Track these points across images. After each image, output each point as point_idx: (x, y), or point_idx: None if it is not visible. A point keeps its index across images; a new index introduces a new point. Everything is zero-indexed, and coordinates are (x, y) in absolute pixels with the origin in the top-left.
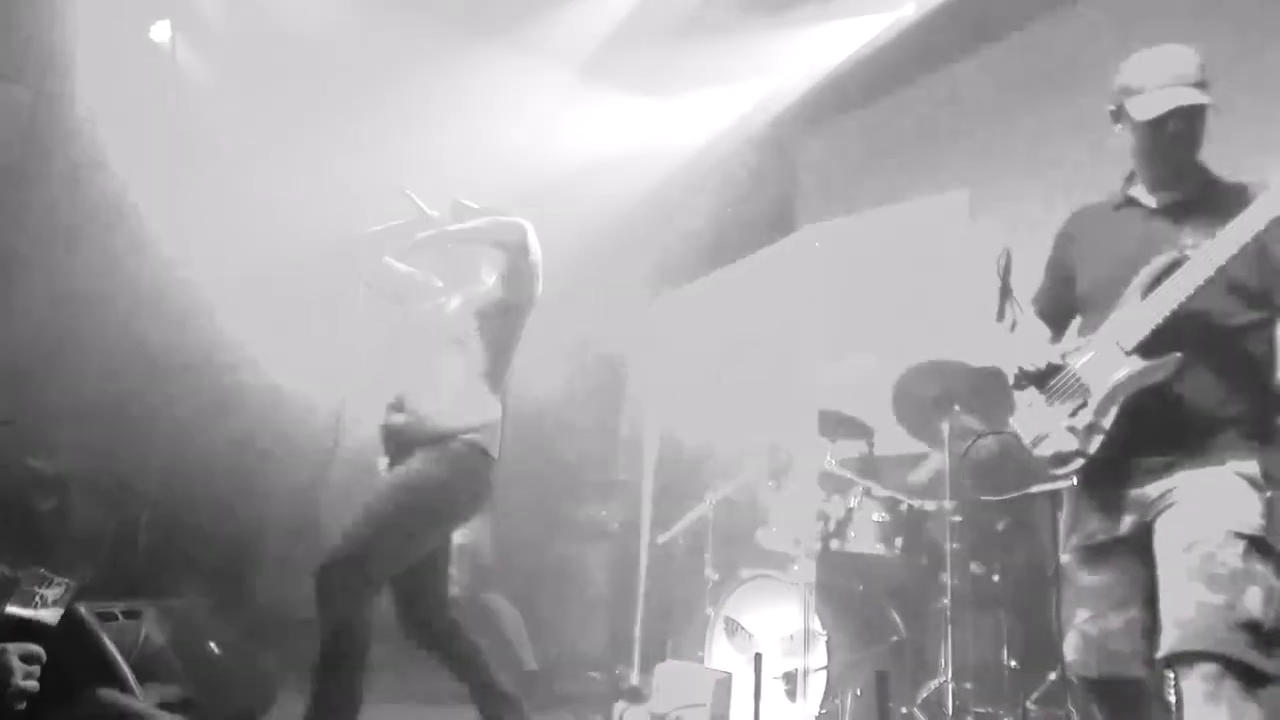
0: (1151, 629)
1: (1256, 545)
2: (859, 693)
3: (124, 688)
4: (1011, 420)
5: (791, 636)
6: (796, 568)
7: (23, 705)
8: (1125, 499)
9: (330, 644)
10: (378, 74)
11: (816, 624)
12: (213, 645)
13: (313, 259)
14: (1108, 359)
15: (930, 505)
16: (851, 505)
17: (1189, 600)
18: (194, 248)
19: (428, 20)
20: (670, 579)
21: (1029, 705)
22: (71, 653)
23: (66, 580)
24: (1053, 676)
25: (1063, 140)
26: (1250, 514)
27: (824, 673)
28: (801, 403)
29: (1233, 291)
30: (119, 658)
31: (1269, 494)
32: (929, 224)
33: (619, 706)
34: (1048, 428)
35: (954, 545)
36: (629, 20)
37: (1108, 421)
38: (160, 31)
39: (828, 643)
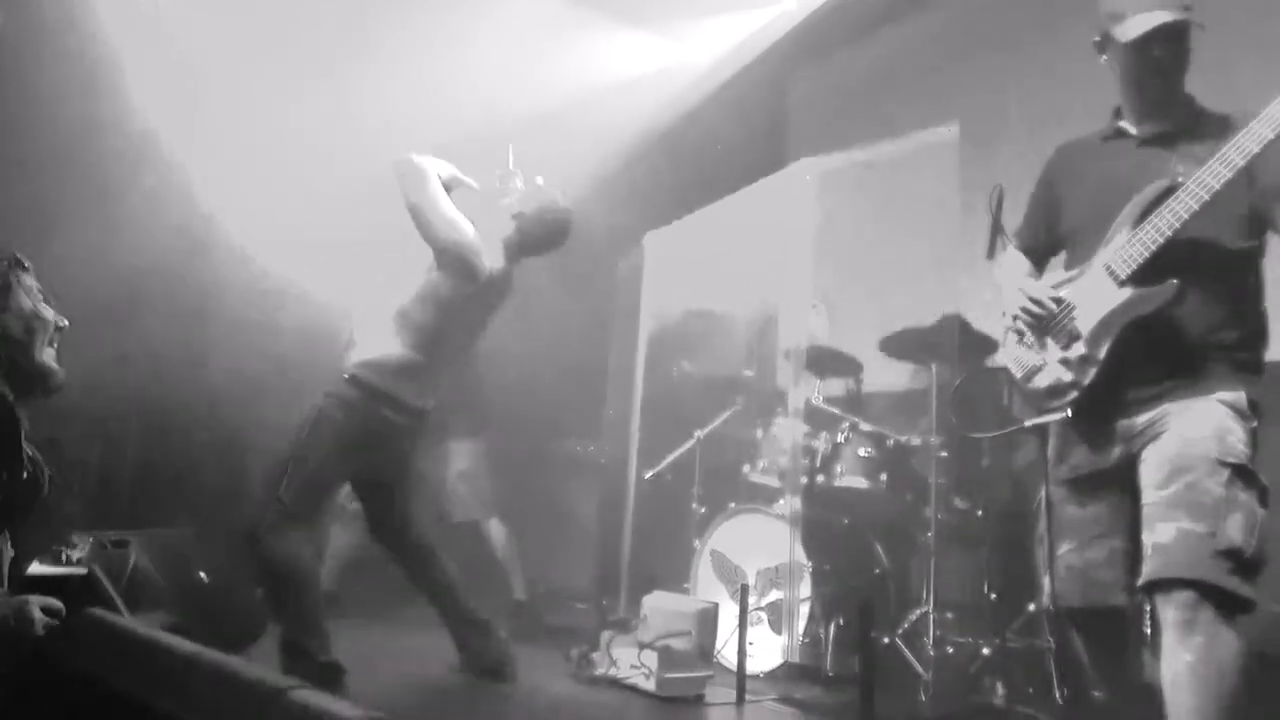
0: (1134, 559)
1: (1240, 474)
2: (842, 623)
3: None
4: (1000, 355)
5: (777, 568)
6: (783, 502)
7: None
8: (1114, 431)
9: (270, 584)
10: (363, 4)
11: (801, 556)
12: (201, 574)
13: (311, 189)
14: (1100, 290)
15: (916, 440)
16: (838, 441)
17: (1171, 527)
18: (189, 174)
19: None
20: (657, 513)
21: (1008, 635)
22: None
23: (90, 537)
24: (1031, 608)
25: (1061, 73)
26: (1235, 443)
27: (808, 604)
28: (790, 339)
29: (1224, 219)
30: (109, 585)
31: (1254, 423)
32: (921, 158)
33: (606, 636)
34: (1040, 361)
35: (938, 480)
36: None
37: (1102, 352)
38: None
39: (812, 575)
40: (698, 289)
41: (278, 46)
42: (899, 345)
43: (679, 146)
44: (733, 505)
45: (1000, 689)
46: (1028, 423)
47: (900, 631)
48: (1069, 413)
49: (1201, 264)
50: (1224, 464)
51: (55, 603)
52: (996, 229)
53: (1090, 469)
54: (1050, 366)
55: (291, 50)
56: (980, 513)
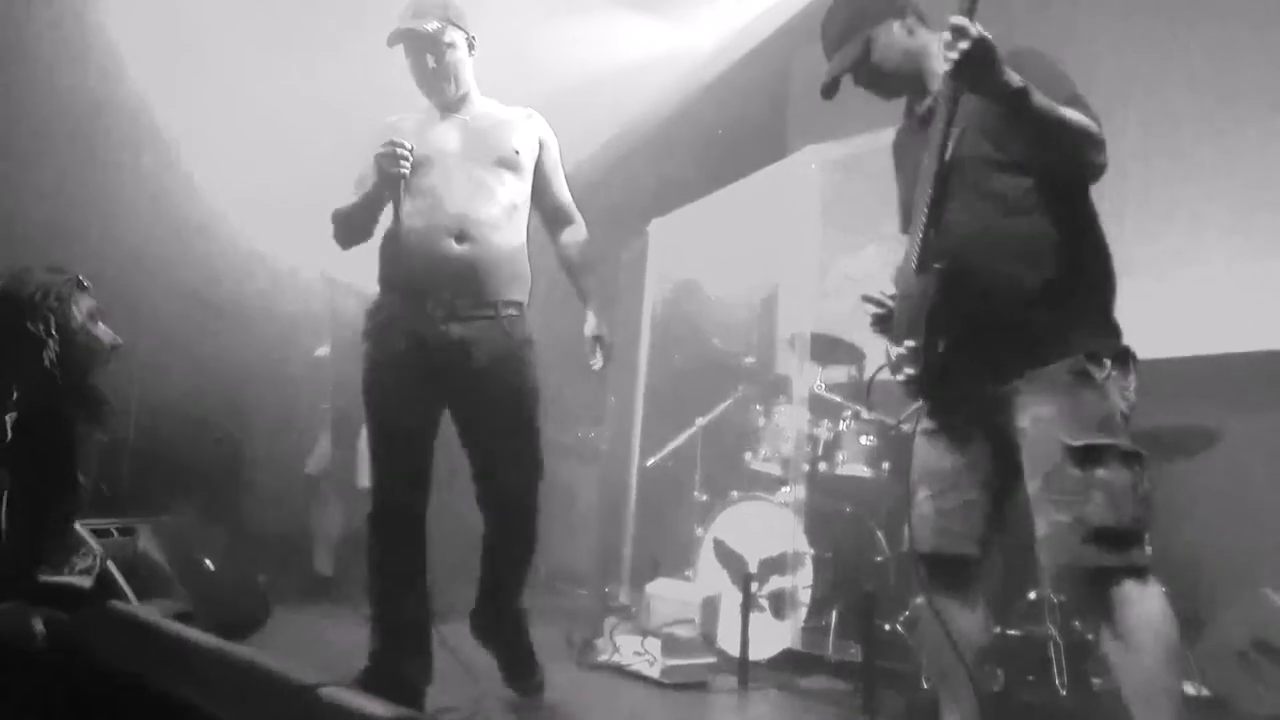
0: (989, 512)
1: (1091, 453)
2: (844, 611)
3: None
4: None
5: (779, 556)
6: (786, 489)
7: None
8: (964, 397)
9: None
10: None
11: (804, 544)
12: (207, 561)
13: (305, 166)
14: (910, 280)
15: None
16: (840, 429)
17: (1043, 521)
18: (183, 151)
19: None
20: (659, 500)
21: (1009, 623)
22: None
23: (98, 550)
24: (1032, 595)
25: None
26: (1085, 419)
27: (810, 592)
28: (790, 327)
29: (996, 170)
30: (117, 573)
31: (1108, 374)
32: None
33: (609, 623)
34: (896, 354)
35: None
36: None
37: (924, 342)
38: None
39: (814, 562)
40: (701, 275)
41: (279, 26)
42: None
43: (683, 133)
44: (735, 493)
45: (1001, 676)
46: (902, 417)
47: (902, 619)
48: (920, 403)
49: (975, 234)
50: (1073, 448)
51: (62, 616)
52: None
53: (944, 424)
54: (901, 359)
55: (292, 31)
56: None
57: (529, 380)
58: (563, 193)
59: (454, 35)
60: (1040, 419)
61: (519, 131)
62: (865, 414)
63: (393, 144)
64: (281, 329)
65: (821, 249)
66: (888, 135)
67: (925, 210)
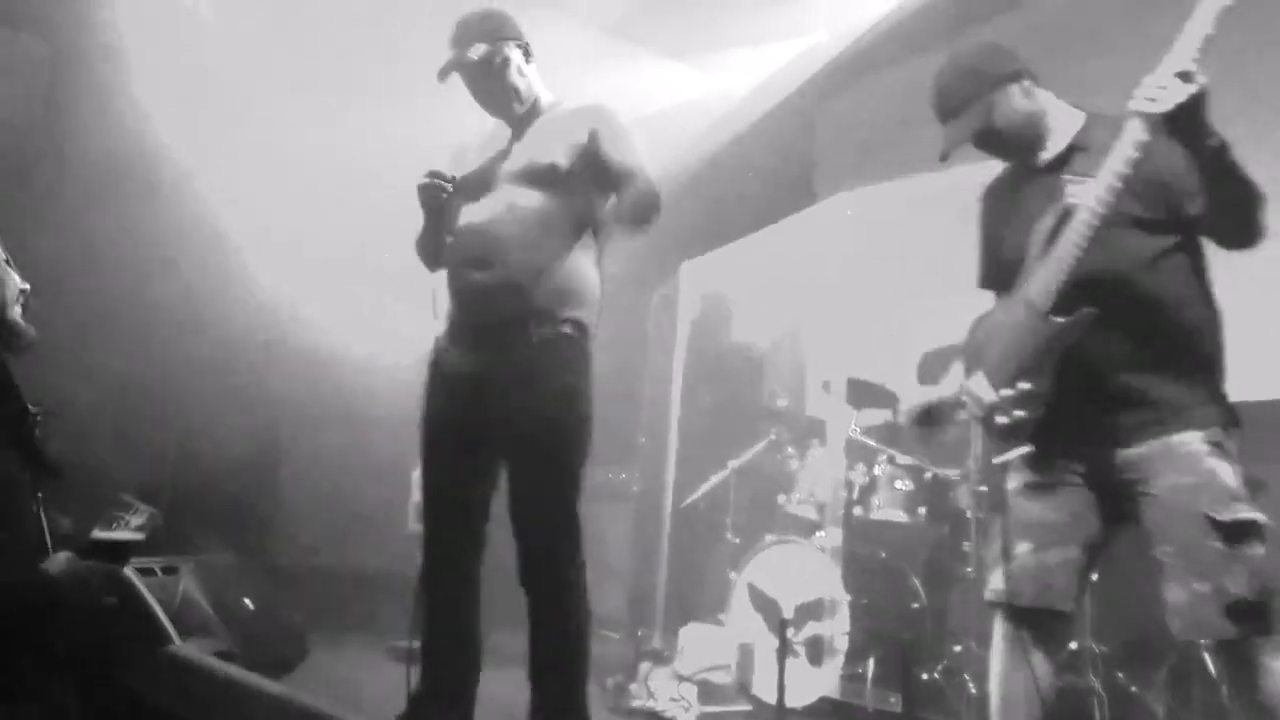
0: (1083, 569)
1: (1235, 530)
2: (882, 658)
3: (167, 642)
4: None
5: (815, 602)
6: (821, 533)
7: None
8: (1079, 452)
9: (566, 653)
10: (396, 26)
11: (840, 590)
12: (246, 600)
13: (338, 211)
14: (1028, 323)
15: (954, 473)
16: (875, 473)
17: (1180, 589)
18: (219, 201)
19: None
20: (692, 543)
21: None
22: (116, 609)
23: (151, 509)
24: (1074, 646)
25: (1106, 101)
26: (1224, 492)
27: (847, 639)
28: (823, 371)
29: (1135, 227)
30: (161, 613)
31: (1236, 449)
32: (968, 192)
33: (644, 668)
34: (993, 398)
35: (977, 514)
36: None
37: (1045, 386)
38: None
39: (851, 608)
40: (733, 318)
41: (318, 73)
42: (932, 369)
43: (715, 177)
44: (769, 536)
45: None
46: (995, 459)
47: (940, 668)
48: (1030, 447)
49: (1121, 283)
50: (1219, 521)
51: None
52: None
53: (1051, 477)
54: (1003, 403)
55: (329, 76)
56: None
57: (566, 416)
58: (620, 160)
59: (504, 52)
60: (1179, 489)
61: (567, 136)
62: (900, 458)
63: (430, 174)
64: (337, 374)
65: (857, 292)
66: (918, 182)
67: (1068, 255)
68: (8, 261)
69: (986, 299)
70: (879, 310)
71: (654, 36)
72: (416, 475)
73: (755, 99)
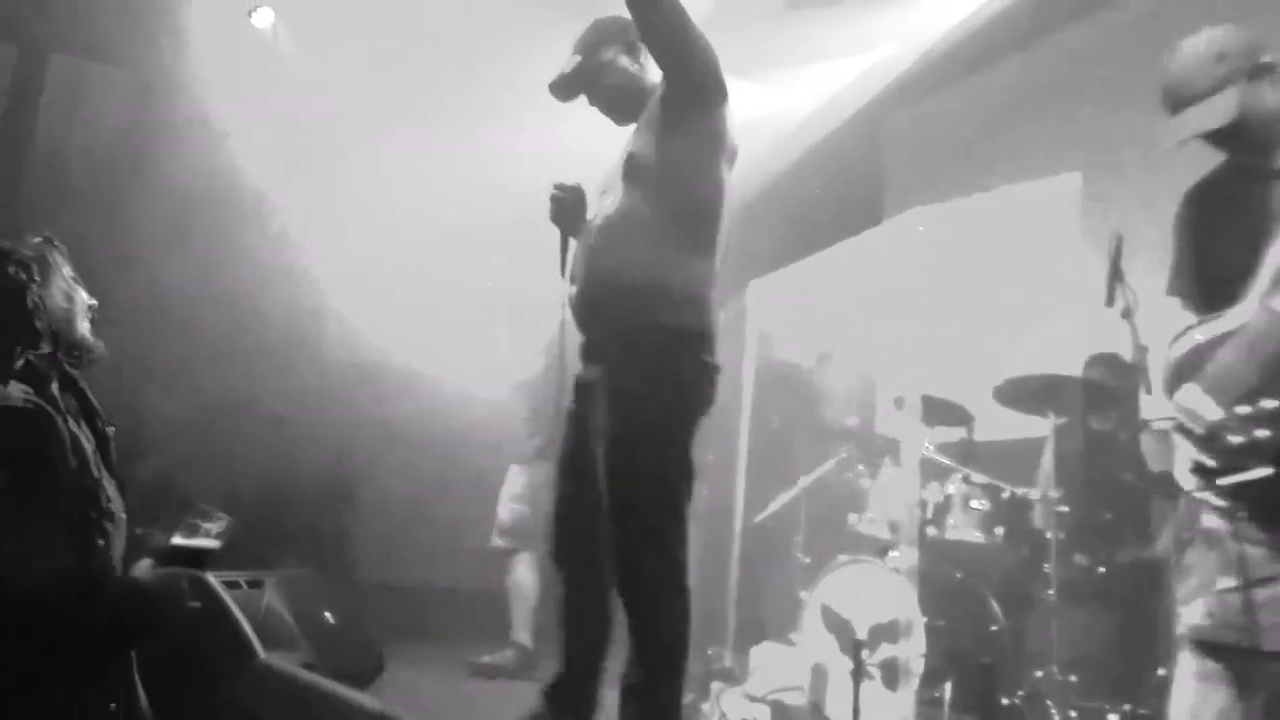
0: None
1: None
2: (960, 682)
3: (252, 655)
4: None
5: (890, 623)
6: (895, 554)
7: None
8: None
9: (670, 645)
10: (473, 60)
11: (915, 611)
12: (327, 614)
13: (426, 244)
14: (1271, 332)
15: (1034, 493)
16: (950, 492)
17: None
18: (308, 236)
19: (524, 4)
20: (762, 561)
21: (1136, 701)
22: (202, 622)
23: (227, 517)
24: (1161, 672)
25: None
26: None
27: (923, 661)
28: (893, 388)
29: None
30: (247, 626)
31: None
32: (1039, 208)
33: (715, 687)
34: (1224, 416)
35: (1058, 535)
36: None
37: None
38: (263, 18)
39: (927, 630)
40: (800, 336)
41: (400, 102)
42: (1013, 393)
43: (782, 195)
44: (841, 556)
45: None
46: (1223, 481)
47: (1022, 693)
48: (1271, 470)
49: None
50: None
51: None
52: (1115, 275)
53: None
54: (1235, 421)
55: (412, 105)
56: (1103, 569)
57: (646, 429)
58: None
59: (605, 55)
60: None
61: (642, 120)
62: (976, 477)
63: (554, 186)
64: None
65: (929, 310)
66: (989, 199)
67: None
68: (75, 279)
69: (1062, 312)
70: (951, 326)
71: (720, 56)
72: (503, 493)
73: (822, 115)
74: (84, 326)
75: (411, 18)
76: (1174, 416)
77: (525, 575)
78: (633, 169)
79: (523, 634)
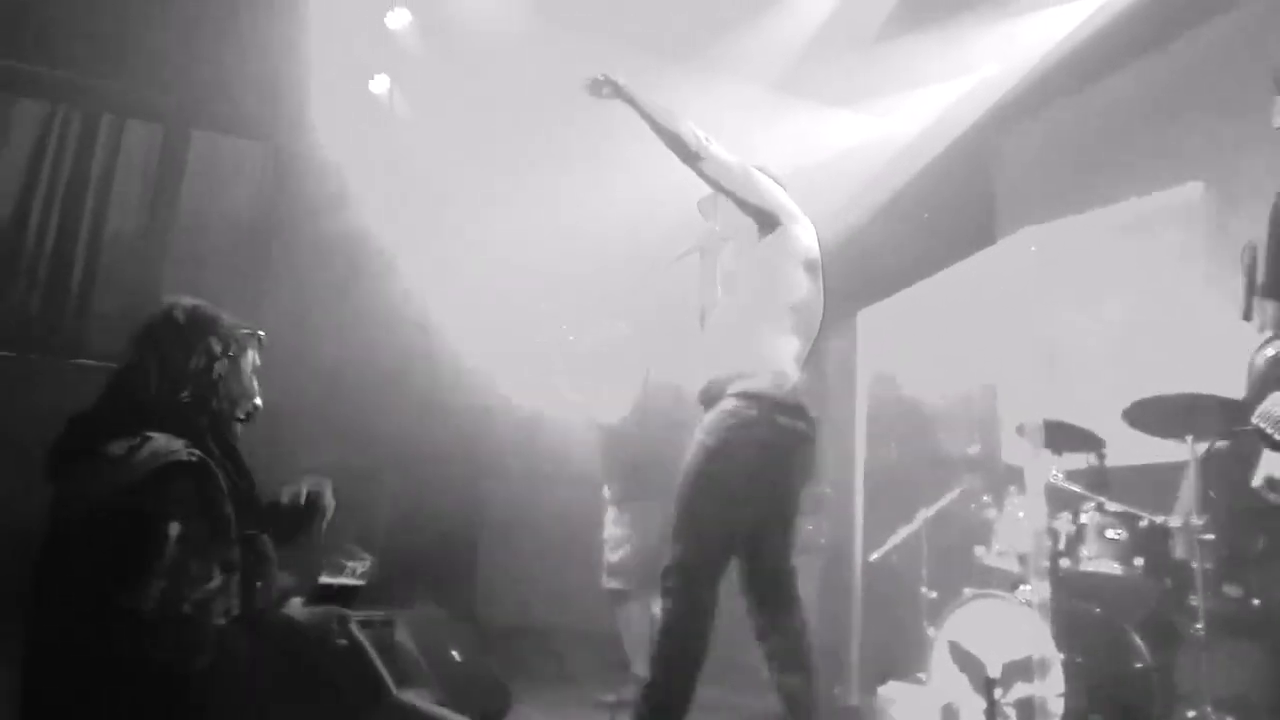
0: None
1: None
2: None
3: (387, 693)
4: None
5: (1023, 660)
6: (1027, 587)
7: None
8: None
9: (659, 642)
10: (575, 107)
11: (1051, 648)
12: (454, 652)
13: (537, 288)
14: None
15: (1174, 520)
16: (1083, 521)
17: None
18: (432, 292)
19: (619, 48)
20: (885, 597)
21: None
22: (336, 659)
23: (369, 556)
24: None
25: None
26: None
27: (1062, 701)
28: (1015, 414)
29: None
30: (380, 665)
31: None
32: (1158, 222)
33: None
34: None
35: (1205, 565)
36: (822, 30)
37: None
38: (380, 84)
39: (1065, 668)
40: (913, 364)
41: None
42: (1145, 416)
43: (889, 221)
44: (968, 590)
45: None
46: None
47: None
48: None
49: None
50: None
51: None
52: (1251, 289)
53: None
54: None
55: (519, 161)
56: (1257, 601)
57: (715, 483)
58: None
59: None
60: None
61: (737, 236)
62: (1110, 505)
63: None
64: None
65: (1047, 334)
66: (1104, 214)
67: None
68: (256, 372)
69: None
70: (1070, 348)
71: (818, 88)
72: (604, 535)
73: (927, 138)
74: (240, 414)
75: (510, 71)
76: (1259, 426)
77: (638, 612)
78: (728, 279)
79: (641, 667)
